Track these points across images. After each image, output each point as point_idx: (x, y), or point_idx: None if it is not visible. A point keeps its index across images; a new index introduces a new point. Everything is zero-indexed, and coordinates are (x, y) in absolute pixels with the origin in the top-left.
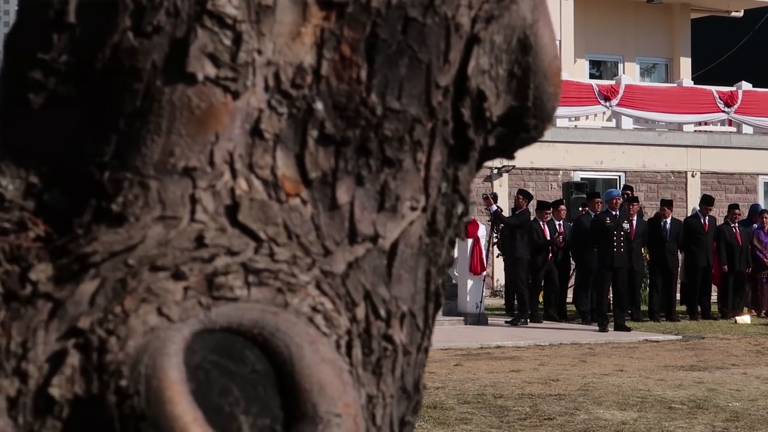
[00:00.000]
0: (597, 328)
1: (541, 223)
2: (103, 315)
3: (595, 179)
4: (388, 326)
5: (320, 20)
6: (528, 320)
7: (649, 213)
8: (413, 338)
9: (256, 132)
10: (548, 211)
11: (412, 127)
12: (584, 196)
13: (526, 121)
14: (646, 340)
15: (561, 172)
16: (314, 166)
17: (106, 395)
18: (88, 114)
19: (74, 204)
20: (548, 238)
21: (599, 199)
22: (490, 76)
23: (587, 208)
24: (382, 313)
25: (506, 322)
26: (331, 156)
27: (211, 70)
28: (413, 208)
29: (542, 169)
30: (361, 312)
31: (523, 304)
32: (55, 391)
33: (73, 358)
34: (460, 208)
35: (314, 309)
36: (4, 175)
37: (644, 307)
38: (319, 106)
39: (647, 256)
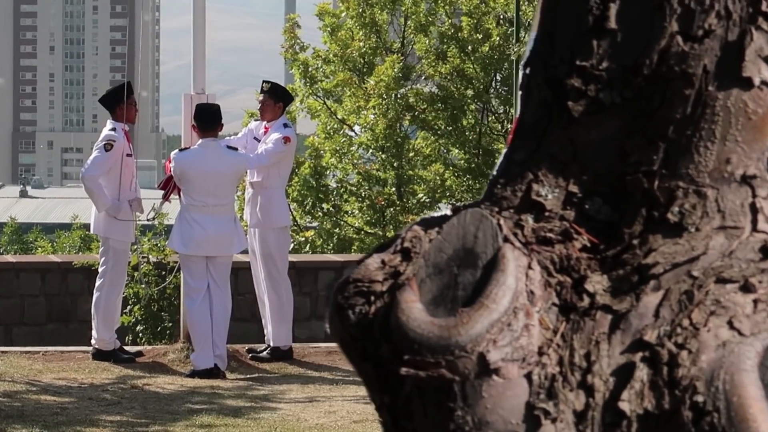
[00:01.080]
0: None
1: None
2: (670, 328)
3: None
4: None
5: None
6: None
7: None
8: None
9: None
10: None
11: None
12: None
13: None
14: None
15: None
16: None
17: (680, 411)
18: (630, 121)
19: (618, 213)
20: None
21: None
22: None
23: None
24: None
25: None
26: None
27: (767, 74)
28: None
29: None
30: None
31: None
32: (625, 406)
33: (642, 372)
34: None
35: None
36: (542, 184)
37: None
38: None
39: None
